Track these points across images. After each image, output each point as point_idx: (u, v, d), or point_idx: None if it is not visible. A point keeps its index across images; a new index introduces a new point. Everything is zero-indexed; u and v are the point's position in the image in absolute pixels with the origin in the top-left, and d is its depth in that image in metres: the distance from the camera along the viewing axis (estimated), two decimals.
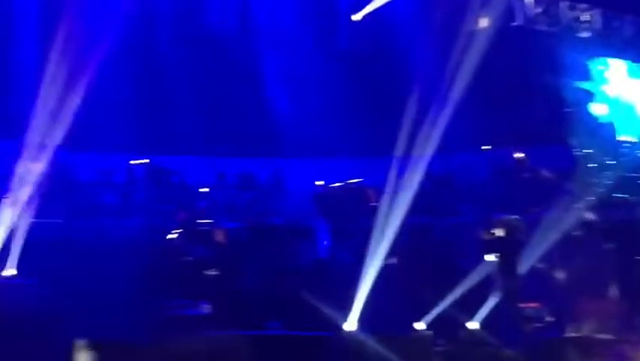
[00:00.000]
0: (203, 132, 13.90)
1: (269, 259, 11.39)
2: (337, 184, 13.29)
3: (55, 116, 10.21)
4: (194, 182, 13.65)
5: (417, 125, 10.97)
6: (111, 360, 6.69)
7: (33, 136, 10.43)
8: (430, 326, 10.14)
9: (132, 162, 13.58)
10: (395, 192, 10.63)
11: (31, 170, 11.17)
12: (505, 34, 12.65)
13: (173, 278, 10.83)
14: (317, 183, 13.51)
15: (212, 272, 11.10)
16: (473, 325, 10.26)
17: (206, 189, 13.74)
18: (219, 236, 10.98)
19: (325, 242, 11.99)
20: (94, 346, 6.74)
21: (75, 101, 10.24)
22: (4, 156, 12.63)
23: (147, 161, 14.47)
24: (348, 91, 14.68)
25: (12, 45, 13.22)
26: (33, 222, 11.34)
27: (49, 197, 11.62)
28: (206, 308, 10.34)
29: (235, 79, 14.61)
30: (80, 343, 6.67)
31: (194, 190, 13.38)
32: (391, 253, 10.30)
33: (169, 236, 11.40)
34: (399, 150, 11.01)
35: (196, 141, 13.90)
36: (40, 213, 11.49)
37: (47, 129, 10.29)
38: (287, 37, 15.30)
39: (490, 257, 10.45)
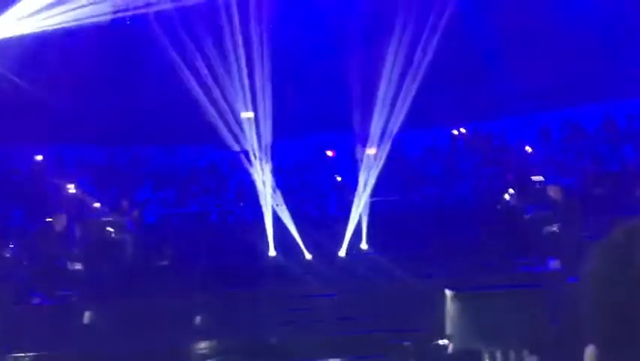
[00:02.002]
0: (518, 91, 13.66)
1: (612, 209, 10.79)
2: None
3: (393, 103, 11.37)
4: (516, 142, 13.57)
5: None
6: (473, 307, 7.20)
7: (375, 125, 11.74)
8: None
9: (454, 131, 14.08)
10: None
11: (370, 155, 12.52)
12: None
13: (514, 236, 10.94)
14: None
15: (552, 228, 10.93)
16: None
17: (529, 148, 13.57)
18: (553, 192, 10.74)
19: None
20: (460, 296, 7.30)
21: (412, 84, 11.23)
22: (343, 147, 14.24)
23: (464, 130, 14.88)
24: None
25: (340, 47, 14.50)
26: (375, 201, 12.62)
27: (387, 176, 12.78)
28: (554, 264, 10.24)
29: (546, 32, 13.95)
30: (450, 293, 7.26)
31: (518, 150, 13.32)
32: None
33: (505, 196, 11.53)
34: None
35: (512, 101, 13.72)
36: (380, 192, 12.72)
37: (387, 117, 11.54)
38: None
39: None
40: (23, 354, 7.67)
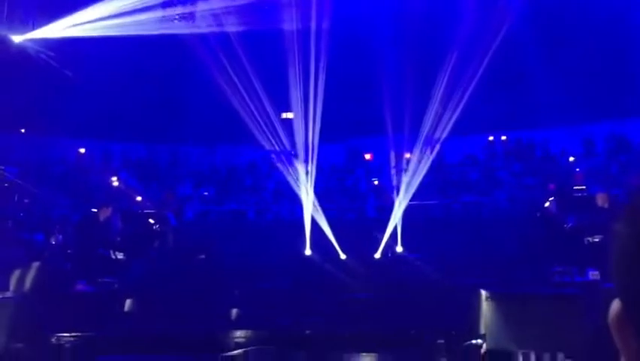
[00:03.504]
0: (563, 101, 13.51)
1: None
2: None
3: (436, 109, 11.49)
4: (559, 152, 13.40)
5: None
6: (507, 308, 7.21)
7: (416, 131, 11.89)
8: None
9: (490, 138, 13.99)
10: None
11: (410, 160, 12.60)
12: None
13: (553, 245, 10.83)
14: None
15: (593, 238, 10.77)
16: None
17: (572, 158, 13.40)
18: (601, 200, 10.58)
19: None
20: (495, 296, 7.31)
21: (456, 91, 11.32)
22: (382, 151, 14.31)
23: (504, 138, 14.78)
24: None
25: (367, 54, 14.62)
26: (412, 205, 12.65)
27: (426, 181, 12.83)
28: (593, 275, 10.10)
29: (594, 42, 13.78)
30: (485, 293, 7.27)
31: (560, 161, 13.16)
32: None
33: (545, 205, 11.42)
34: None
35: (556, 110, 13.57)
36: (418, 197, 12.75)
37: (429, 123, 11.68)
38: None
39: None
40: (66, 334, 7.93)
